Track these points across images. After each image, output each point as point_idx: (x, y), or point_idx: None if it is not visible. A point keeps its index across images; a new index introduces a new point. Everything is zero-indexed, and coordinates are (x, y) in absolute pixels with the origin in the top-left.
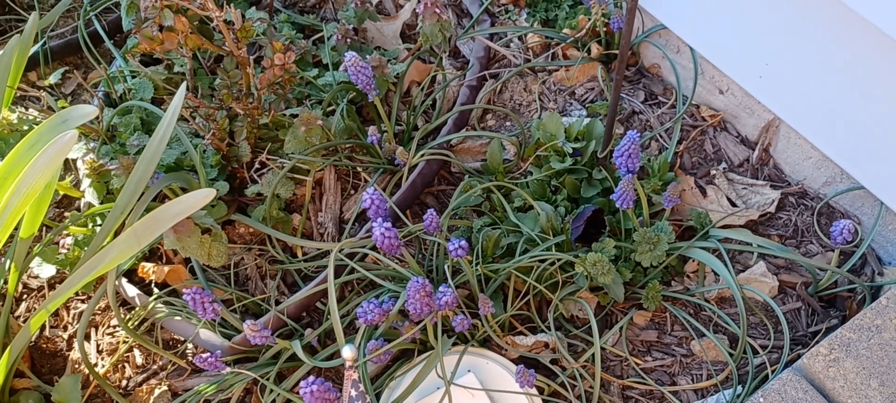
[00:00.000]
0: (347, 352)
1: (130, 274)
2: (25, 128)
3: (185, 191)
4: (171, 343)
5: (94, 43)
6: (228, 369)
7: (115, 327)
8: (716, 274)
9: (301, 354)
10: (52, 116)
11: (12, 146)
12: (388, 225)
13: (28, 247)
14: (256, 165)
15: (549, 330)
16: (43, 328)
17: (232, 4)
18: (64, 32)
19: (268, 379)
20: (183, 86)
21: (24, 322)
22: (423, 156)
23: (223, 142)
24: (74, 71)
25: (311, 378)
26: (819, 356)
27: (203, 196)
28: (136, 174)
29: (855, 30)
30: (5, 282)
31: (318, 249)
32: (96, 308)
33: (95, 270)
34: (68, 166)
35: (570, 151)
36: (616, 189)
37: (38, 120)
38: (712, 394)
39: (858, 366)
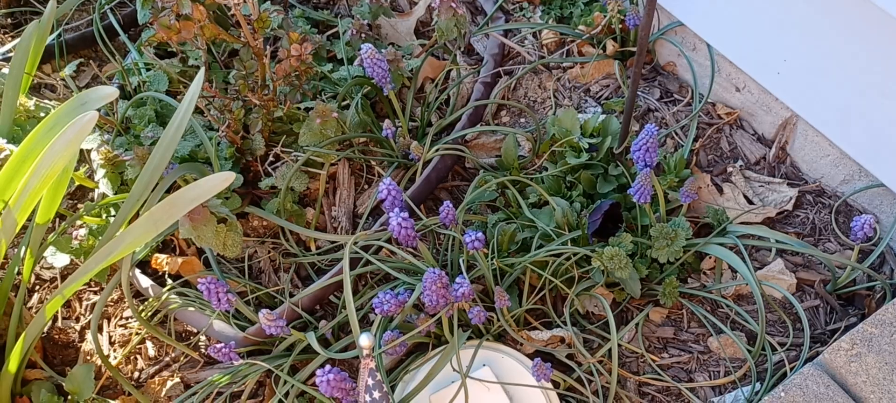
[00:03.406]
0: (365, 340)
1: (144, 266)
2: (42, 114)
3: None
4: (183, 335)
5: (108, 36)
6: (242, 360)
7: (127, 318)
8: (733, 270)
9: (316, 345)
10: (71, 98)
11: (29, 132)
12: (405, 215)
13: (43, 234)
14: (270, 158)
15: (565, 325)
16: (55, 318)
17: None
18: (79, 25)
19: (282, 371)
20: (201, 73)
21: (37, 313)
22: (437, 151)
23: (237, 135)
24: (89, 63)
25: (328, 366)
26: (841, 351)
27: (221, 179)
28: (153, 162)
29: (877, 25)
30: (18, 272)
31: (332, 243)
32: (108, 300)
33: (112, 255)
34: (82, 157)
35: (586, 147)
36: (633, 183)
37: (54, 107)
38: (730, 391)
39: (881, 361)
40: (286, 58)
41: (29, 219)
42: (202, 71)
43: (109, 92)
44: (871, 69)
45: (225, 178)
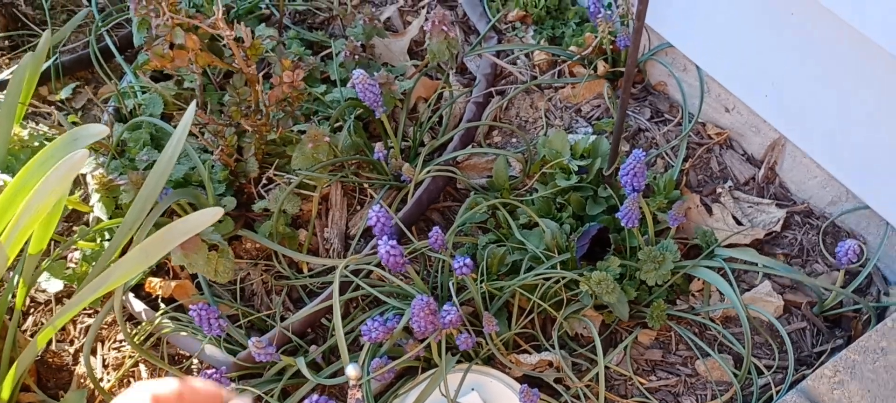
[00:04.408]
0: (351, 371)
1: (137, 289)
2: (36, 144)
3: (193, 206)
4: (176, 358)
5: (105, 58)
6: (233, 385)
7: (121, 341)
8: (721, 292)
9: (306, 371)
10: (62, 135)
11: (23, 162)
12: (393, 243)
13: (37, 262)
14: (264, 181)
15: (554, 348)
16: (49, 342)
17: (242, 22)
18: (75, 47)
19: (272, 396)
20: (193, 103)
21: (32, 336)
22: (429, 172)
23: (231, 158)
24: (85, 86)
25: (315, 396)
26: (823, 378)
27: (211, 215)
28: (146, 190)
29: (862, 51)
30: (13, 297)
31: (324, 265)
32: (103, 322)
33: (103, 287)
34: (78, 181)
35: (576, 169)
36: (621, 207)
37: (49, 135)
38: None
39: (863, 389)
40: (279, 84)
41: (22, 249)
42: (193, 104)
43: (100, 130)
44: (856, 93)
45: (214, 213)
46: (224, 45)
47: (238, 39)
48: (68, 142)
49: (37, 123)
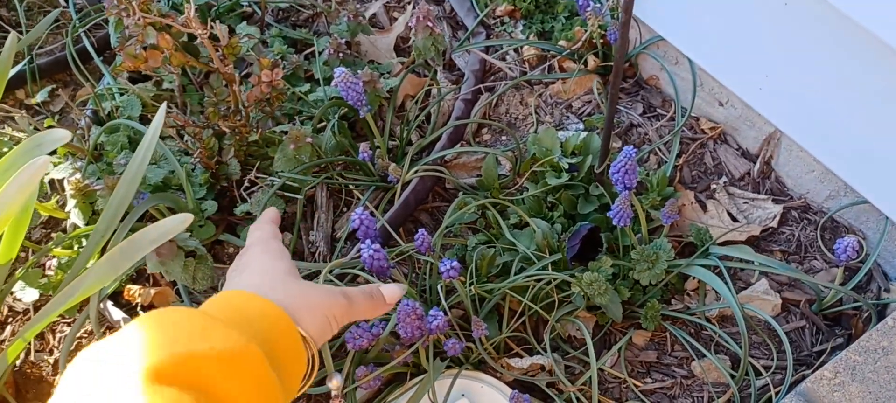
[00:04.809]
0: (332, 382)
1: (116, 297)
2: (6, 150)
3: (172, 210)
4: None
5: (82, 60)
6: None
7: None
8: (717, 291)
9: None
10: (24, 141)
11: None
12: (376, 247)
13: (8, 271)
14: (246, 183)
15: (546, 351)
16: (28, 352)
17: (221, 19)
18: (53, 49)
19: None
20: (163, 106)
21: (9, 346)
22: (416, 172)
23: (212, 161)
24: (63, 89)
25: None
26: (823, 379)
27: (180, 221)
28: (118, 195)
29: (857, 42)
30: None
31: (309, 269)
32: (83, 331)
33: (72, 298)
34: (54, 187)
35: (567, 166)
36: (613, 206)
37: (21, 140)
38: None
39: (864, 390)
40: (257, 84)
41: None
42: (164, 106)
43: (63, 135)
44: (854, 86)
45: (183, 220)
46: (200, 45)
47: (214, 38)
48: (31, 148)
49: (11, 128)
